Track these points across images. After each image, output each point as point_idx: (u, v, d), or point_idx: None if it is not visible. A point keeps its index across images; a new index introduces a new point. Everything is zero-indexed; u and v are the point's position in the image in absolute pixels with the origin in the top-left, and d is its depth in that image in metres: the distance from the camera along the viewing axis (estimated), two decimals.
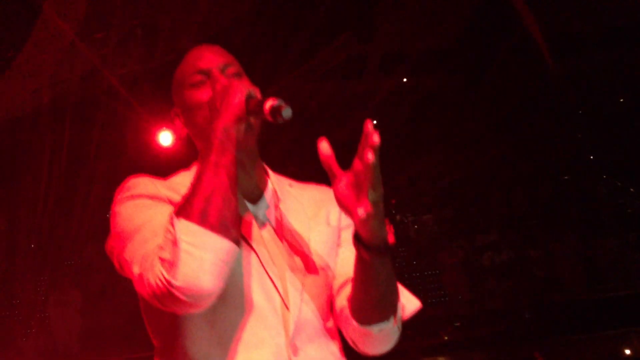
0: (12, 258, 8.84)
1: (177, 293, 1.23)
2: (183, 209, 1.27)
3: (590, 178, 11.83)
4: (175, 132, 1.42)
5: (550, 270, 9.23)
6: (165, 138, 7.82)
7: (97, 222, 9.13)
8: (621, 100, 11.96)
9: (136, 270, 1.35)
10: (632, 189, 9.87)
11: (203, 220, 1.25)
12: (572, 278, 9.09)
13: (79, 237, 9.53)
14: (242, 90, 1.40)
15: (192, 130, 1.64)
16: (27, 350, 7.95)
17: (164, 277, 1.24)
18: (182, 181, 1.55)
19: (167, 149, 8.04)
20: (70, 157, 9.18)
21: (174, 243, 1.23)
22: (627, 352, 9.90)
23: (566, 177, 12.34)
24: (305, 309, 1.45)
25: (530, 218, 10.31)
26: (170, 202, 1.45)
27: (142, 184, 1.50)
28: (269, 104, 1.39)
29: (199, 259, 1.22)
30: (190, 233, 1.23)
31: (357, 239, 1.37)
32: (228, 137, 1.36)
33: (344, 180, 1.40)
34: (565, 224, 10.03)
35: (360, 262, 1.39)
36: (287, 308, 1.43)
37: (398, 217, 11.15)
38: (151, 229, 1.36)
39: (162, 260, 1.25)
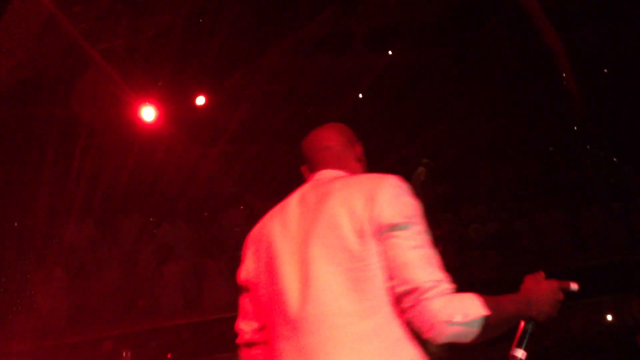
0: None
1: None
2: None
3: (575, 149, 11.89)
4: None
5: (536, 240, 9.32)
6: (148, 113, 7.72)
7: (80, 199, 9.05)
8: (605, 71, 11.98)
9: None
10: (615, 159, 9.93)
11: None
12: (557, 248, 9.18)
13: (62, 215, 9.44)
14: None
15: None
16: (15, 329, 7.92)
17: None
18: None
19: (150, 124, 7.95)
20: (51, 134, 9.05)
21: None
22: (609, 318, 10.08)
23: (551, 148, 12.40)
24: None
25: (516, 189, 10.36)
26: None
27: None
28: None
29: None
30: None
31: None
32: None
33: None
34: (551, 195, 10.10)
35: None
36: None
37: None
38: None
39: None
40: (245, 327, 1.70)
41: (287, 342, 1.49)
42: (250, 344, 1.68)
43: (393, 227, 1.46)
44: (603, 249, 9.06)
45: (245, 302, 1.70)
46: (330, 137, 1.75)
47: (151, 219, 9.55)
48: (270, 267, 1.56)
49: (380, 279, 1.44)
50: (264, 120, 10.71)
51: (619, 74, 11.48)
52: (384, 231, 1.46)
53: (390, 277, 1.44)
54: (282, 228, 1.57)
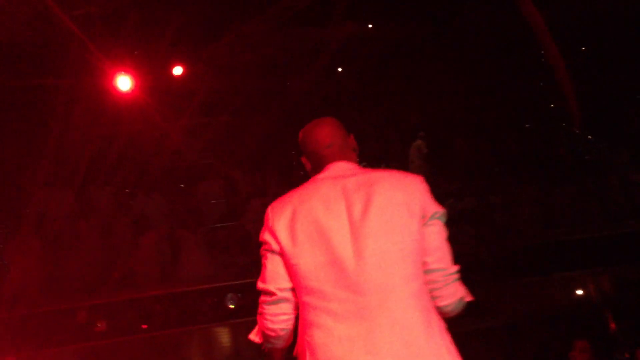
0: None
1: None
2: None
3: (551, 126, 12.01)
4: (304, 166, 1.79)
5: (509, 216, 9.44)
6: (124, 82, 7.61)
7: (55, 168, 8.93)
8: (582, 49, 12.07)
9: None
10: (589, 137, 10.06)
11: None
12: (530, 223, 9.31)
13: (36, 184, 9.32)
14: None
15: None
16: None
17: None
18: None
19: (126, 94, 7.84)
20: (25, 103, 8.89)
21: None
22: (579, 292, 10.31)
23: (528, 125, 12.51)
24: None
25: (491, 165, 10.47)
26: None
27: None
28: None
29: None
30: None
31: None
32: None
33: None
34: (526, 171, 10.22)
35: None
36: None
37: (364, 163, 11.19)
38: None
39: None
40: (275, 286, 1.89)
41: (342, 303, 1.77)
42: (281, 301, 1.88)
43: (433, 216, 1.90)
44: (575, 225, 9.22)
45: (275, 267, 1.89)
46: (333, 134, 2.06)
47: (127, 190, 9.47)
48: (317, 240, 1.83)
49: (419, 254, 1.84)
50: (242, 91, 10.63)
51: (596, 51, 11.59)
52: (428, 218, 1.88)
53: (427, 254, 1.86)
54: (325, 208, 1.86)
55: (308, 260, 1.81)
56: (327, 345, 1.74)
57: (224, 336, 9.54)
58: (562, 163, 10.82)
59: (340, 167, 1.98)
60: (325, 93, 11.67)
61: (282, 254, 1.87)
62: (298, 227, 1.85)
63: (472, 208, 9.57)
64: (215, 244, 8.82)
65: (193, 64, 8.88)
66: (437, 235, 1.90)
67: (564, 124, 11.70)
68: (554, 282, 9.37)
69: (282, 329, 1.89)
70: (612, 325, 9.27)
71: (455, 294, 1.91)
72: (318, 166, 2.02)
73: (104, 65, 7.52)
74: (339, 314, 1.75)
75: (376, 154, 11.24)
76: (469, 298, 1.97)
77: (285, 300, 1.88)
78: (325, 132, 2.06)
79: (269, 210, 1.95)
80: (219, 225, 9.24)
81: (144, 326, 7.75)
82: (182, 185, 9.68)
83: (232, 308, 7.58)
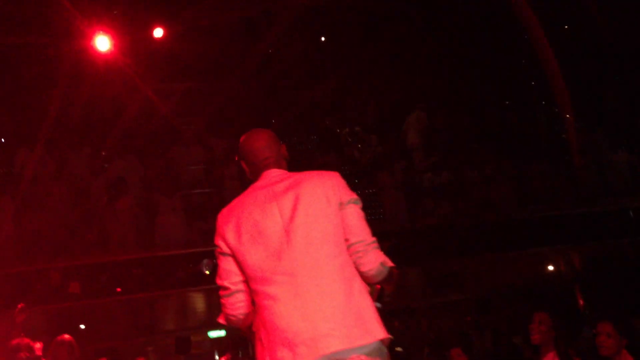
0: None
1: None
2: None
3: (530, 104, 12.10)
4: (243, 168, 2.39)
5: (485, 191, 9.53)
6: (102, 42, 7.46)
7: (30, 128, 8.79)
8: (565, 27, 12.10)
9: None
10: (568, 116, 10.15)
11: None
12: (505, 199, 9.42)
13: (9, 143, 9.18)
14: None
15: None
16: None
17: None
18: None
19: (104, 55, 7.70)
20: (2, 61, 8.70)
21: None
22: (550, 268, 10.52)
23: (507, 102, 12.58)
24: None
25: (470, 141, 10.52)
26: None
27: None
28: None
29: None
30: None
31: None
32: None
33: None
34: (503, 147, 10.29)
35: None
36: None
37: (342, 133, 11.19)
38: None
39: None
40: (229, 282, 2.34)
41: (280, 286, 2.22)
42: (235, 292, 2.33)
43: (349, 202, 2.32)
44: (548, 202, 9.35)
45: (228, 265, 2.34)
46: (268, 147, 2.47)
47: (103, 153, 9.36)
48: (257, 238, 2.28)
49: (339, 234, 2.28)
50: (223, 54, 10.49)
51: (576, 31, 11.63)
52: (345, 204, 2.31)
53: (347, 232, 2.30)
54: (261, 212, 2.31)
55: (252, 256, 2.27)
56: (273, 322, 2.20)
57: (198, 301, 9.59)
58: (539, 141, 10.92)
59: (273, 175, 2.41)
60: (309, 61, 11.59)
61: (232, 254, 2.32)
62: (242, 230, 2.30)
63: (449, 182, 9.65)
64: (192, 209, 8.80)
65: (174, 26, 8.72)
66: (353, 215, 2.32)
67: (543, 102, 11.79)
68: (526, 257, 9.53)
69: (240, 314, 2.35)
70: (581, 301, 9.50)
71: (375, 260, 2.30)
72: (255, 173, 2.46)
73: (82, 24, 7.36)
74: (278, 295, 2.21)
75: (353, 122, 11.22)
76: (389, 264, 2.35)
77: (239, 291, 2.33)
78: (261, 145, 2.47)
79: (219, 218, 2.40)
80: (196, 191, 9.19)
81: (119, 289, 7.75)
82: (159, 151, 9.59)
83: (207, 274, 7.61)
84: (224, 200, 8.60)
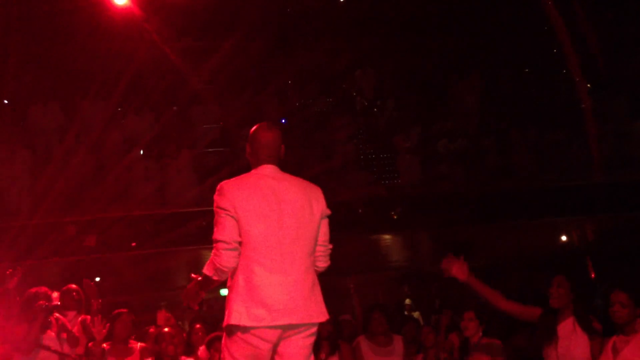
0: None
1: None
2: None
3: (550, 71, 11.87)
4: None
5: (501, 158, 9.46)
6: None
7: (49, 82, 8.80)
8: None
9: None
10: (589, 85, 9.97)
11: None
12: (521, 167, 9.35)
13: (27, 97, 9.20)
14: None
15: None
16: None
17: None
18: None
19: (122, 8, 7.64)
20: (17, 15, 8.66)
21: None
22: (564, 238, 10.48)
23: (527, 70, 12.35)
24: None
25: (487, 107, 10.39)
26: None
27: None
28: None
29: None
30: None
31: None
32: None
33: None
34: (521, 115, 10.16)
35: None
36: None
37: (358, 98, 11.11)
38: None
39: None
40: (231, 239, 2.79)
41: (271, 260, 2.78)
42: (232, 249, 2.79)
43: (326, 216, 2.99)
44: (564, 171, 9.26)
45: (232, 226, 2.80)
46: (275, 145, 2.98)
47: (119, 109, 9.37)
48: (260, 217, 2.80)
49: (315, 238, 2.93)
50: (241, 13, 10.36)
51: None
52: (324, 217, 2.97)
53: (319, 237, 2.95)
54: (262, 198, 2.82)
55: (255, 229, 2.79)
56: (258, 285, 2.75)
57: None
58: (557, 109, 10.76)
59: (270, 170, 2.95)
60: (325, 18, 11.41)
61: (237, 220, 2.79)
62: (251, 205, 2.80)
63: (464, 149, 9.58)
64: (206, 168, 8.83)
65: None
66: (325, 227, 2.98)
67: (564, 70, 11.56)
68: (538, 226, 9.50)
69: (230, 267, 2.80)
70: (592, 273, 9.48)
71: (327, 260, 3.02)
72: (256, 161, 2.98)
73: None
74: (268, 266, 2.77)
75: (370, 87, 11.10)
76: (329, 263, 3.06)
77: (236, 248, 2.79)
78: (271, 140, 2.98)
79: (227, 187, 2.85)
80: (210, 150, 9.21)
81: (134, 244, 7.85)
82: (174, 108, 9.57)
83: None
84: (238, 159, 8.63)
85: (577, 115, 10.37)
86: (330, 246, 3.01)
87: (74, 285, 4.75)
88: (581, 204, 8.70)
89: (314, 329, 2.88)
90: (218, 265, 2.79)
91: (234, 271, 2.80)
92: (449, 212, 8.48)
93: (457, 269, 4.09)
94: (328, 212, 2.99)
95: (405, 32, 11.31)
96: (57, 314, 4.35)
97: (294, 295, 2.77)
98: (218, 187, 2.87)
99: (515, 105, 10.56)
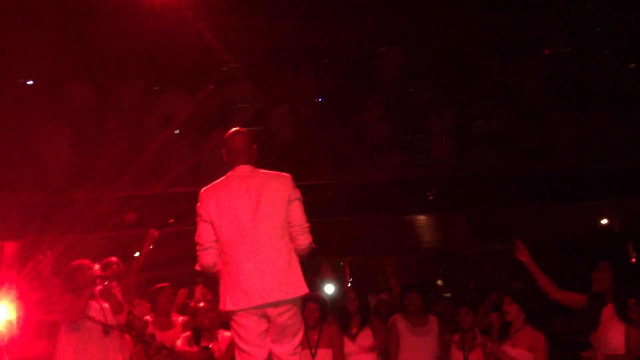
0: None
1: None
2: None
3: (591, 52, 11.55)
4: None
5: (539, 140, 9.30)
6: None
7: (84, 61, 8.92)
8: None
9: None
10: (632, 65, 9.70)
11: None
12: (559, 149, 9.18)
13: (65, 77, 9.34)
14: None
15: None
16: (21, 182, 8.10)
17: None
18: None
19: None
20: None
21: None
22: (604, 222, 10.27)
23: (568, 50, 12.04)
24: None
25: (524, 88, 10.19)
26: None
27: None
28: None
29: None
30: None
31: None
32: None
33: None
34: (559, 96, 9.95)
35: None
36: None
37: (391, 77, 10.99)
38: None
39: None
40: (205, 240, 3.24)
41: (242, 251, 3.17)
42: (209, 248, 3.24)
43: (296, 199, 3.26)
44: (605, 154, 9.06)
45: (205, 228, 3.24)
46: (245, 147, 3.37)
47: (155, 88, 9.46)
48: (231, 216, 3.19)
49: (286, 221, 3.23)
50: None
51: None
52: (292, 200, 3.24)
53: (291, 219, 3.25)
54: (236, 197, 3.20)
55: (226, 227, 3.19)
56: (236, 274, 3.16)
57: None
58: (597, 91, 10.49)
59: (244, 169, 3.31)
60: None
61: (210, 222, 3.21)
62: (220, 208, 3.20)
63: (500, 129, 9.45)
64: None
65: None
66: (296, 208, 3.25)
67: (606, 51, 11.25)
68: (577, 209, 9.34)
69: (211, 263, 3.25)
70: (633, 259, 9.30)
71: (306, 240, 3.28)
72: (231, 163, 3.33)
73: None
74: (240, 256, 3.16)
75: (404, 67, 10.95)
76: (314, 246, 3.31)
77: (211, 247, 3.23)
78: (240, 144, 3.37)
79: (202, 195, 3.27)
80: (246, 129, 9.24)
81: (172, 220, 7.97)
82: (210, 87, 9.62)
83: None
84: (273, 139, 8.67)
85: (619, 96, 10.11)
86: (307, 225, 3.27)
87: (114, 258, 4.85)
88: (622, 186, 8.52)
89: (295, 303, 3.21)
90: (200, 263, 3.28)
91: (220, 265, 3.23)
92: (484, 194, 8.39)
93: (519, 249, 4.26)
94: (297, 195, 3.27)
95: (440, 11, 11.12)
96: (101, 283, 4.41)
97: (267, 278, 3.13)
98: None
99: (554, 86, 10.34)
